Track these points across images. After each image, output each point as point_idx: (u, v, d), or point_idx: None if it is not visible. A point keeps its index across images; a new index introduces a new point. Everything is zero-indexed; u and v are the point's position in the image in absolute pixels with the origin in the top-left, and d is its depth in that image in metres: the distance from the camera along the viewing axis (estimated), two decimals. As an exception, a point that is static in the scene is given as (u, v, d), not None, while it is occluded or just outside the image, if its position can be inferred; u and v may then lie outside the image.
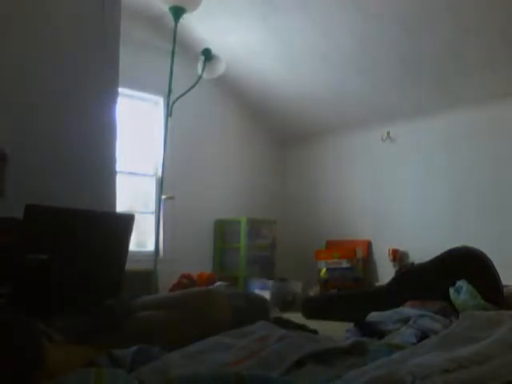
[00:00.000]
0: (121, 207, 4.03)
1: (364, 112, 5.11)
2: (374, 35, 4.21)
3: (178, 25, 3.82)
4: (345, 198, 5.38)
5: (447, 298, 2.97)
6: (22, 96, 2.47)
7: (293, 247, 5.57)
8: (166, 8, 3.78)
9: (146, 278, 3.78)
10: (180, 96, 4.03)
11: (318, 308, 3.76)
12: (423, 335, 1.93)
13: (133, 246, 4.25)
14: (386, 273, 4.68)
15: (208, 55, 4.20)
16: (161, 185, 4.11)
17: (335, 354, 1.29)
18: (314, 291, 4.85)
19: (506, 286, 3.12)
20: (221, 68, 4.31)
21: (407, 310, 2.56)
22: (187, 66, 4.48)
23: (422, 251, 4.04)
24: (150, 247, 4.68)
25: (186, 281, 4.35)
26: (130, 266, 1.89)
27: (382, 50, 4.33)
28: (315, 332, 2.92)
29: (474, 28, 3.82)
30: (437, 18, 3.85)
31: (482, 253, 3.18)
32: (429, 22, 3.90)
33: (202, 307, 1.88)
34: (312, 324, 3.26)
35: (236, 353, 1.24)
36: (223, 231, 5.32)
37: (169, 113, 4.00)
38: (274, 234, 5.37)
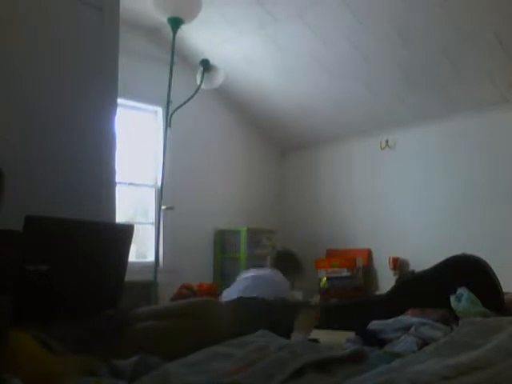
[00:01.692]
0: (120, 218, 4.04)
1: (362, 120, 5.12)
2: (371, 42, 4.24)
3: (177, 36, 3.84)
4: (344, 206, 5.38)
5: (448, 305, 2.96)
6: (19, 107, 2.48)
7: (293, 256, 5.56)
8: (164, 19, 3.80)
9: (146, 289, 3.77)
10: (179, 106, 4.04)
11: (319, 317, 3.75)
12: (424, 343, 1.93)
13: (133, 257, 4.25)
14: (386, 281, 4.68)
15: (206, 65, 4.22)
16: (160, 195, 4.11)
17: (335, 363, 1.29)
18: (314, 300, 4.84)
19: (507, 293, 3.12)
20: (219, 78, 4.32)
21: (408, 318, 2.55)
22: (186, 76, 4.51)
23: (423, 259, 4.03)
24: (150, 258, 4.68)
25: (187, 291, 4.33)
26: (130, 276, 1.89)
27: (380, 57, 4.35)
28: (316, 341, 2.91)
29: (472, 34, 3.85)
30: (435, 25, 3.87)
31: (482, 260, 3.18)
32: (427, 28, 3.92)
33: (201, 317, 1.87)
34: (313, 333, 3.24)
35: (235, 362, 1.24)
36: (223, 241, 5.32)
37: (168, 123, 4.00)
38: (274, 244, 5.36)
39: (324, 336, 3.19)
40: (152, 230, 4.92)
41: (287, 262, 3.47)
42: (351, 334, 2.44)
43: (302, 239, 5.62)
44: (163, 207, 4.44)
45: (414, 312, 2.82)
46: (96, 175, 2.68)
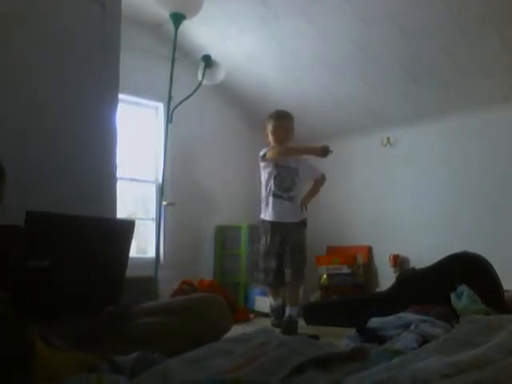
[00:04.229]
0: (121, 214, 4.04)
1: (364, 117, 5.12)
2: (373, 40, 4.23)
3: (178, 31, 3.84)
4: (345, 203, 5.37)
5: (448, 303, 2.97)
6: (20, 104, 2.48)
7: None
8: (166, 14, 3.79)
9: (147, 285, 3.77)
10: (180, 102, 4.03)
11: (319, 314, 3.76)
12: (424, 341, 1.93)
13: (133, 253, 4.25)
14: (386, 278, 4.68)
15: (208, 61, 4.21)
16: (161, 191, 4.11)
17: (336, 360, 1.29)
18: (314, 297, 4.84)
19: (507, 290, 3.12)
20: (221, 74, 4.32)
21: (408, 315, 2.55)
22: (188, 72, 4.50)
23: (423, 256, 4.04)
24: (151, 254, 4.68)
25: (187, 287, 4.34)
26: (130, 272, 1.89)
27: (381, 55, 4.34)
28: (316, 337, 2.91)
29: (472, 31, 3.84)
30: (436, 22, 3.86)
31: (482, 257, 3.18)
32: (428, 25, 3.91)
33: (202, 313, 1.88)
34: (313, 330, 3.25)
35: (236, 359, 1.24)
36: (224, 237, 5.32)
37: (169, 119, 4.00)
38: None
39: (324, 332, 3.20)
40: (153, 225, 4.92)
41: None
42: (351, 331, 2.44)
43: (303, 236, 5.61)
44: (164, 203, 4.44)
45: (415, 309, 2.82)
46: (97, 171, 2.68)
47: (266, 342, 1.36)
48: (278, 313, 3.72)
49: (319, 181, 3.96)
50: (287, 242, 3.63)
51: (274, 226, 3.69)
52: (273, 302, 3.78)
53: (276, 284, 3.67)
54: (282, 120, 3.73)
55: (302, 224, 3.75)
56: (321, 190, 4.07)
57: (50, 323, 1.47)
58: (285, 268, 3.57)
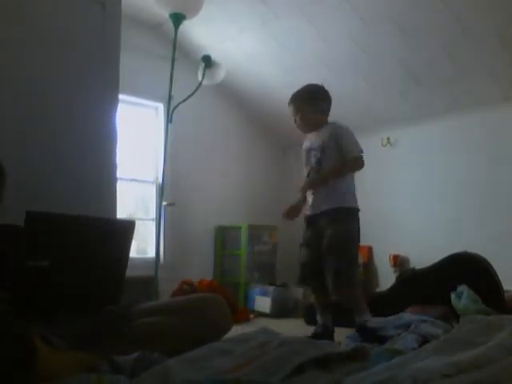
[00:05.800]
0: (121, 214, 4.04)
1: (363, 117, 5.11)
2: (372, 39, 4.22)
3: (178, 31, 3.84)
4: (345, 203, 5.36)
5: (448, 303, 2.97)
6: (20, 104, 2.48)
7: (294, 253, 5.54)
8: (166, 14, 3.79)
9: (147, 285, 3.77)
10: (180, 102, 4.03)
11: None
12: (424, 340, 1.93)
13: (133, 253, 4.25)
14: (386, 278, 4.68)
15: (208, 62, 4.21)
16: (161, 191, 4.11)
17: (336, 360, 1.29)
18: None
19: (507, 290, 3.12)
20: (221, 74, 4.32)
21: (408, 315, 2.56)
22: (188, 72, 4.50)
23: (423, 257, 4.04)
24: (151, 254, 4.68)
25: (187, 287, 4.34)
26: (130, 272, 1.89)
27: (381, 55, 4.34)
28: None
29: (473, 31, 3.83)
30: (436, 21, 3.86)
31: (482, 258, 3.19)
32: (428, 25, 3.91)
33: (202, 313, 1.88)
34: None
35: (236, 359, 1.24)
36: (224, 237, 5.32)
37: (169, 119, 4.00)
38: (274, 240, 5.37)
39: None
40: (153, 226, 4.92)
41: None
42: (351, 331, 2.44)
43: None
44: (164, 203, 4.44)
45: (415, 309, 2.83)
46: (97, 171, 2.68)
47: (266, 341, 1.36)
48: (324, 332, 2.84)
49: (347, 162, 3.07)
50: (323, 235, 2.88)
51: (309, 218, 3.06)
52: (319, 317, 2.99)
53: (310, 282, 3.01)
54: (289, 106, 3.39)
55: (346, 211, 2.91)
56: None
57: (50, 323, 1.47)
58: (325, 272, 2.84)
